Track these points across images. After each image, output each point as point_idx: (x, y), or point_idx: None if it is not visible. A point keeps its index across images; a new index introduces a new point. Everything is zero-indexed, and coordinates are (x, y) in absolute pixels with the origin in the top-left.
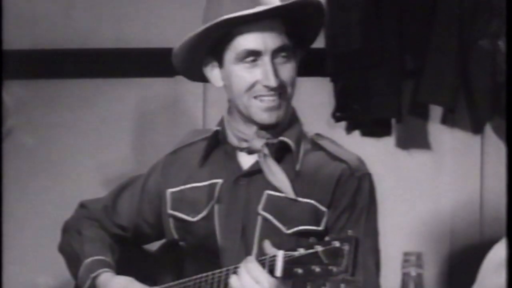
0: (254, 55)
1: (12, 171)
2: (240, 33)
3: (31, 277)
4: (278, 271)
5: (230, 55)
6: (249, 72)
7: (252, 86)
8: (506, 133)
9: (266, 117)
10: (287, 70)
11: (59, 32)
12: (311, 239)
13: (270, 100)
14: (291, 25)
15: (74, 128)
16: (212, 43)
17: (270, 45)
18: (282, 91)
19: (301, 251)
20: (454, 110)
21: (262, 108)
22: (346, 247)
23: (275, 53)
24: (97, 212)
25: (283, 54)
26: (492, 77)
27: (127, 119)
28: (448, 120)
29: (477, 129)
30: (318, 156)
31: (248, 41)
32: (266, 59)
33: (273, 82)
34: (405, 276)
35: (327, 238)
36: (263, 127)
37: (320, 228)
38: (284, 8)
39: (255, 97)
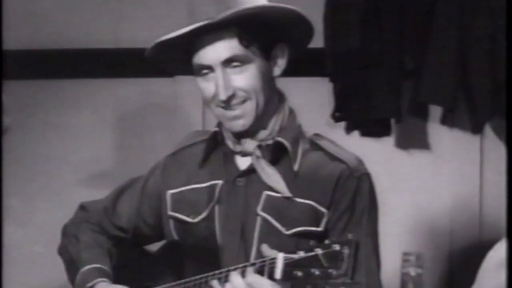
0: (207, 68)
1: (12, 170)
2: (195, 47)
3: (31, 277)
4: (278, 274)
5: (194, 66)
6: (207, 85)
7: (214, 97)
8: (506, 133)
9: (233, 125)
10: (243, 78)
11: (59, 32)
12: (311, 242)
13: (232, 110)
14: (248, 31)
15: (74, 128)
16: (181, 55)
17: (218, 58)
18: (242, 99)
19: (301, 254)
20: (454, 110)
21: (227, 118)
22: (346, 251)
23: (226, 64)
24: (97, 214)
25: (235, 63)
26: (492, 77)
27: (127, 119)
28: (447, 120)
29: (476, 129)
30: (317, 156)
31: (199, 55)
32: (217, 72)
33: (222, 96)
34: (405, 276)
35: (327, 241)
36: (235, 133)
37: (319, 229)
38: (217, 23)
39: (221, 107)
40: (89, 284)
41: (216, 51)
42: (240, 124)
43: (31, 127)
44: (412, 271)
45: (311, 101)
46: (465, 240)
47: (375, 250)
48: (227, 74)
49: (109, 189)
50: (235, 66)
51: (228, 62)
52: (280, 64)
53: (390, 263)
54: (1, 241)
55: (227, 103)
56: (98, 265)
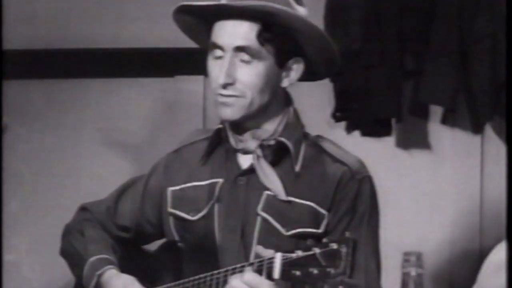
0: (219, 49)
1: (12, 171)
2: (214, 26)
3: (31, 278)
4: (276, 273)
5: (209, 43)
6: (214, 65)
7: (215, 80)
8: (506, 133)
9: (221, 112)
10: (246, 72)
11: (59, 32)
12: (309, 241)
13: (223, 97)
14: (269, 30)
15: (74, 128)
16: (202, 27)
17: (232, 43)
18: (237, 93)
19: (299, 253)
20: (454, 110)
21: (218, 102)
22: (343, 249)
23: (237, 52)
24: (100, 214)
25: (245, 55)
26: (492, 77)
27: (127, 119)
28: (448, 120)
29: (477, 129)
30: (318, 158)
31: (215, 35)
32: (226, 56)
33: (221, 79)
34: (405, 276)
35: (324, 240)
36: (231, 124)
37: (319, 231)
38: (252, 11)
39: (218, 93)
40: (99, 272)
41: (232, 36)
42: (228, 113)
43: (31, 127)
44: (413, 271)
45: (311, 101)
46: (466, 239)
47: (375, 253)
48: (234, 63)
49: (110, 189)
50: (244, 58)
51: (239, 51)
52: (292, 77)
53: (390, 263)
54: (1, 242)
55: (223, 88)
56: (106, 256)
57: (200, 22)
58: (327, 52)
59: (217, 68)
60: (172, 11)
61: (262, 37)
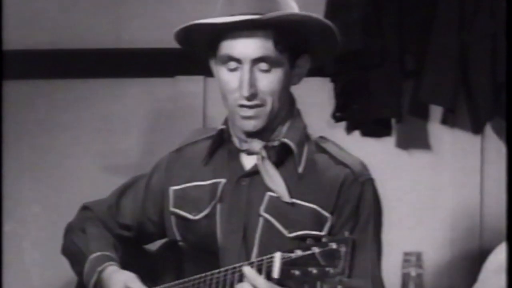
0: (235, 61)
1: (13, 171)
2: (225, 37)
3: (31, 278)
4: (276, 273)
5: (218, 55)
6: (231, 77)
7: (234, 91)
8: (506, 133)
9: (244, 125)
10: (267, 80)
11: (59, 32)
12: (308, 241)
13: (246, 110)
14: (285, 36)
15: (74, 128)
16: (208, 39)
17: (250, 55)
18: (259, 102)
19: (298, 252)
20: (454, 110)
21: (240, 116)
22: (343, 249)
23: (255, 63)
24: (101, 213)
25: (264, 64)
26: (492, 77)
27: (127, 119)
28: (448, 120)
29: (477, 129)
30: (321, 160)
31: (229, 47)
32: (245, 68)
33: (246, 92)
34: (405, 276)
35: (324, 240)
36: (246, 132)
37: (322, 233)
38: (262, 21)
39: (239, 105)
40: (99, 268)
41: (249, 48)
42: (252, 125)
43: (30, 127)
44: (413, 271)
45: (311, 101)
46: (466, 240)
47: (379, 257)
48: (254, 73)
49: (110, 188)
50: (264, 67)
51: (258, 61)
52: (301, 75)
53: (390, 263)
54: (1, 242)
55: (248, 100)
56: (107, 253)
57: (205, 37)
58: (333, 44)
59: (234, 80)
60: (180, 29)
61: (281, 45)
